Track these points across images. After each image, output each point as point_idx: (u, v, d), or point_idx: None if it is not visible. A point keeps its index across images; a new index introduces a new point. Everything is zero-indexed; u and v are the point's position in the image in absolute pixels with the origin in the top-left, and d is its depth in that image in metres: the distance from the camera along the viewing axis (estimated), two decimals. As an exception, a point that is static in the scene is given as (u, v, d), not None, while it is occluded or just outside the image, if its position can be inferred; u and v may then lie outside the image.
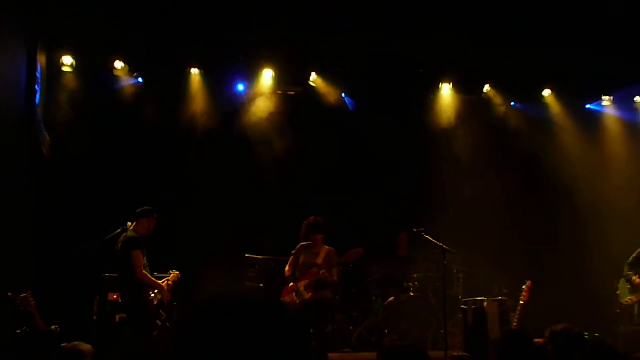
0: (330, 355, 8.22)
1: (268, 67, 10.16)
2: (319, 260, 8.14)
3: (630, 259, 9.01)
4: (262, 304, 1.31)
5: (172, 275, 7.91)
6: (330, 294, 8.32)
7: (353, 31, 9.08)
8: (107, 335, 7.51)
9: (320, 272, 8.11)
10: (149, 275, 7.50)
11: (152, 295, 7.50)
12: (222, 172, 9.52)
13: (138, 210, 7.66)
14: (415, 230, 8.59)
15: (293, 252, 8.25)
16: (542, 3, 8.69)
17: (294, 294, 8.05)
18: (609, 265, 9.46)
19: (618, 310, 9.16)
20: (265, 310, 1.30)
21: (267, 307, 1.30)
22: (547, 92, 11.02)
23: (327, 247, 8.22)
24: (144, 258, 7.54)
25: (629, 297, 8.94)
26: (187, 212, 8.73)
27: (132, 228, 7.55)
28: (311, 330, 8.71)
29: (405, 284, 9.45)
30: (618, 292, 9.12)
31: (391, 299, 9.38)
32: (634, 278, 8.90)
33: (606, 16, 8.77)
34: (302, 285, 8.09)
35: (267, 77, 10.22)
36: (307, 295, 8.08)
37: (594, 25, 8.93)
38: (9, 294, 6.52)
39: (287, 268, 8.20)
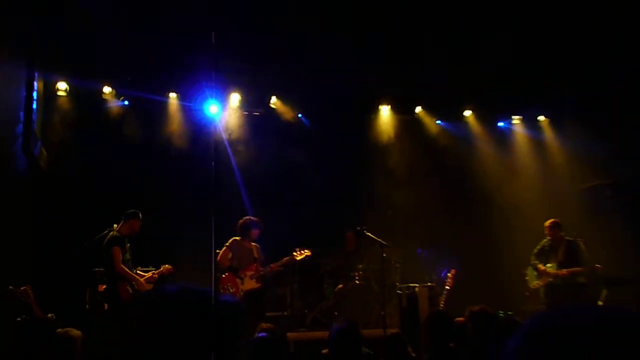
0: (288, 334, 8.27)
1: (235, 91, 10.15)
2: (256, 255, 8.34)
3: (535, 250, 9.16)
4: (197, 294, 1.37)
5: (162, 268, 7.94)
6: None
7: (306, 62, 9.09)
8: (96, 322, 7.45)
9: (272, 266, 8.28)
10: (127, 269, 7.53)
11: (129, 287, 7.48)
12: (195, 179, 9.46)
13: (124, 213, 7.68)
14: (359, 228, 8.65)
15: (227, 244, 8.28)
16: (462, 39, 8.76)
17: (239, 281, 8.13)
18: (517, 256, 9.60)
19: (527, 293, 9.29)
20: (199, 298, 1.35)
21: (201, 296, 1.36)
22: (467, 113, 11.18)
23: (254, 243, 8.37)
24: (125, 254, 7.60)
25: (536, 282, 9.09)
26: (164, 215, 8.65)
27: (117, 228, 7.63)
28: (266, 314, 8.77)
29: (352, 274, 9.45)
30: (527, 278, 9.26)
31: (340, 286, 9.39)
32: (539, 266, 9.05)
33: (514, 49, 8.89)
34: (248, 274, 8.20)
35: (234, 100, 10.21)
36: (257, 285, 8.24)
37: (504, 56, 9.03)
38: (10, 287, 6.44)
39: (223, 259, 8.22)
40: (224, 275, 8.26)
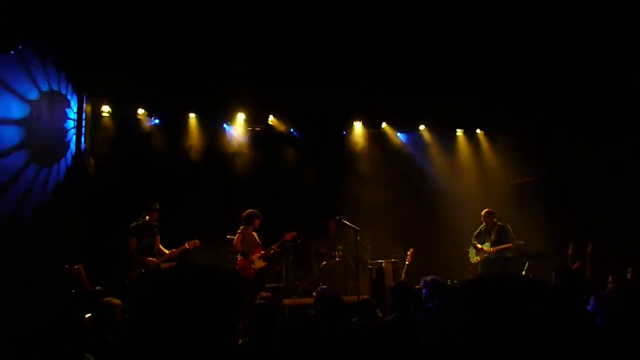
0: (284, 301, 8.31)
1: (241, 111, 10.16)
2: (258, 240, 8.33)
3: (475, 233, 9.24)
4: (207, 269, 1.28)
5: (185, 244, 7.83)
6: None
7: (297, 87, 9.12)
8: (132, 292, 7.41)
9: (273, 247, 8.25)
10: (136, 255, 7.55)
11: (137, 270, 7.50)
12: (211, 181, 9.50)
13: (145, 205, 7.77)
14: (338, 217, 8.69)
15: (239, 232, 8.20)
16: (418, 69, 8.83)
17: (251, 264, 8.12)
18: (461, 237, 9.67)
19: (469, 267, 9.37)
20: (209, 273, 1.28)
21: (210, 270, 1.28)
22: (422, 127, 11.24)
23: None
24: (143, 240, 7.62)
25: (476, 258, 9.17)
26: (186, 210, 8.64)
27: (142, 218, 7.65)
28: (272, 285, 8.78)
29: (333, 253, 9.51)
30: (469, 256, 9.34)
31: (324, 263, 9.44)
32: (477, 245, 9.13)
33: (457, 80, 8.97)
34: (256, 257, 8.20)
35: (240, 119, 10.23)
36: (263, 264, 8.24)
37: (449, 84, 9.12)
38: (66, 265, 6.44)
39: (238, 244, 8.16)
40: (239, 259, 8.19)
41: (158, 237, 7.84)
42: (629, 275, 7.31)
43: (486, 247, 9.01)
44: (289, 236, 8.49)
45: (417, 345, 4.10)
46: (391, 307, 5.81)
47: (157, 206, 7.82)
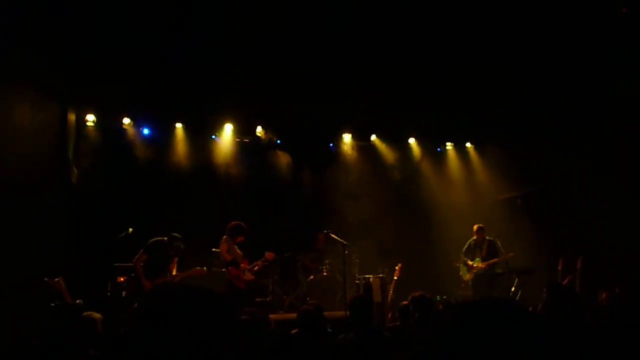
0: (270, 315, 8.18)
1: (229, 122, 10.11)
2: (241, 253, 8.15)
3: (464, 249, 9.25)
4: (196, 291, 1.31)
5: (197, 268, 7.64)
6: None
7: (285, 98, 9.11)
8: (114, 307, 7.27)
9: (258, 263, 8.17)
10: (140, 270, 7.33)
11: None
12: (197, 193, 9.40)
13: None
14: (326, 231, 8.64)
15: (223, 242, 7.99)
16: (408, 81, 8.88)
17: (241, 274, 8.01)
18: (449, 252, 9.68)
19: (462, 285, 9.32)
20: (198, 294, 1.29)
21: (199, 292, 1.30)
22: (411, 140, 11.26)
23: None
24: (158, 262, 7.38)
25: (468, 275, 9.15)
26: (171, 222, 8.50)
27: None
28: (258, 299, 8.67)
29: (321, 267, 9.44)
30: (460, 273, 9.29)
31: (311, 277, 9.36)
32: (468, 262, 9.12)
33: (447, 95, 9.04)
34: (245, 269, 8.09)
35: (228, 130, 10.18)
36: (251, 277, 8.13)
37: (439, 99, 9.18)
38: (46, 278, 6.32)
39: (225, 253, 7.95)
40: (230, 269, 7.96)
41: (175, 260, 7.58)
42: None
43: (477, 262, 9.02)
44: (269, 256, 8.34)
45: None
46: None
47: (180, 245, 7.44)
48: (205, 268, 7.74)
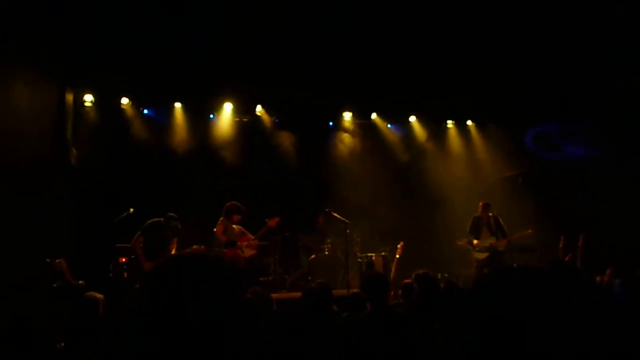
0: (272, 294, 8.21)
1: (229, 101, 10.01)
2: (240, 230, 8.21)
3: (468, 227, 9.10)
4: (208, 258, 1.32)
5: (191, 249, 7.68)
6: None
7: (286, 77, 9.00)
8: (116, 287, 7.26)
9: (258, 234, 8.11)
10: (140, 252, 7.31)
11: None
12: (196, 173, 9.36)
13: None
14: (326, 210, 8.62)
15: (219, 223, 8.03)
16: (409, 60, 8.78)
17: (240, 251, 8.02)
18: (451, 230, 9.63)
19: (474, 263, 9.10)
20: (210, 262, 1.30)
21: (212, 260, 1.31)
22: (412, 118, 11.17)
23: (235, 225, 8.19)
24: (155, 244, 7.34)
25: (482, 254, 8.90)
26: (171, 202, 8.47)
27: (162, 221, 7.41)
28: (260, 279, 8.69)
29: (322, 247, 9.45)
30: (474, 254, 9.04)
31: (313, 256, 9.38)
32: (474, 242, 8.97)
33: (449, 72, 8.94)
34: (244, 245, 8.09)
35: (227, 109, 10.08)
36: (253, 252, 8.14)
37: (441, 76, 9.08)
38: (47, 259, 6.31)
39: (220, 235, 7.99)
40: (225, 250, 7.99)
41: (174, 240, 7.56)
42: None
43: (490, 240, 8.87)
44: (272, 222, 8.32)
45: (396, 340, 3.97)
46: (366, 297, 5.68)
47: (176, 224, 7.44)
48: (203, 247, 7.73)
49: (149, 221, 7.42)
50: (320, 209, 9.20)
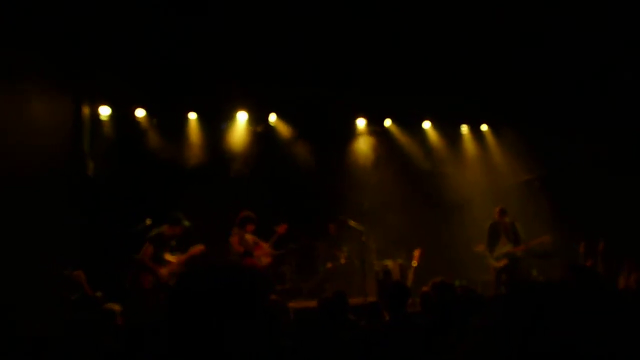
0: (289, 303, 8.18)
1: (242, 110, 10.03)
2: (254, 240, 8.17)
3: (487, 236, 8.88)
4: (234, 268, 1.31)
5: (190, 250, 7.56)
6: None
7: (298, 85, 9.03)
8: (134, 299, 7.24)
9: (270, 249, 8.11)
10: (150, 263, 7.23)
11: (151, 277, 7.24)
12: (211, 182, 9.38)
13: (170, 217, 7.44)
14: (342, 217, 8.58)
15: (234, 233, 8.01)
16: (422, 64, 8.76)
17: (257, 261, 8.01)
18: (468, 237, 9.53)
19: (492, 270, 8.94)
20: (234, 270, 1.30)
21: (236, 268, 1.31)
22: (427, 124, 11.10)
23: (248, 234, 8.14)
24: (160, 252, 7.29)
25: (501, 262, 8.75)
26: (186, 212, 8.48)
27: (164, 229, 7.34)
28: (277, 287, 8.67)
29: (338, 254, 9.42)
30: (493, 262, 8.87)
31: (329, 264, 9.35)
32: (505, 250, 8.79)
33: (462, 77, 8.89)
34: (260, 254, 8.07)
35: (241, 118, 10.11)
36: (269, 259, 8.13)
37: (454, 81, 9.04)
38: (65, 271, 6.36)
39: (236, 245, 7.95)
40: (243, 260, 7.95)
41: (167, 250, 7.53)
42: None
43: (508, 247, 8.72)
44: (280, 229, 8.28)
45: (417, 349, 3.93)
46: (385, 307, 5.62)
47: (185, 223, 7.41)
48: (203, 246, 7.61)
49: (155, 231, 7.39)
50: (333, 216, 9.18)
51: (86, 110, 8.62)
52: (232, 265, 1.36)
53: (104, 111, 9.13)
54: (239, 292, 1.27)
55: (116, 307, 4.50)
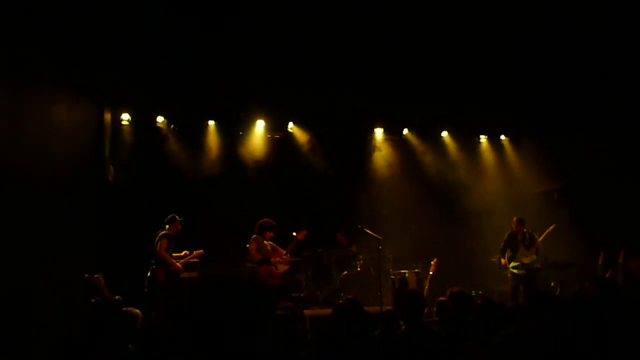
0: (304, 311, 8.20)
1: (261, 118, 10.09)
2: (272, 247, 8.17)
3: (502, 244, 8.78)
4: (237, 281, 1.32)
5: (195, 252, 7.98)
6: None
7: (317, 94, 9.08)
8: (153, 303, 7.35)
9: (290, 248, 8.15)
10: (167, 256, 7.66)
11: (164, 271, 7.64)
12: (229, 189, 9.45)
13: (168, 217, 7.83)
14: (359, 226, 8.54)
15: (253, 241, 8.01)
16: (440, 74, 8.75)
17: (274, 268, 8.02)
18: (485, 247, 9.47)
19: (510, 281, 8.71)
20: (239, 285, 1.31)
21: (240, 283, 1.32)
22: (444, 134, 11.07)
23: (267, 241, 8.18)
24: (169, 249, 7.68)
25: (521, 271, 8.57)
26: (205, 218, 8.59)
27: (167, 229, 7.78)
28: (292, 294, 8.67)
29: (354, 263, 9.41)
30: (512, 269, 8.66)
31: (345, 272, 9.34)
32: (502, 261, 8.69)
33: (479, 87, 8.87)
34: (277, 261, 8.08)
35: (259, 126, 10.17)
36: (286, 267, 8.13)
37: (472, 91, 9.02)
38: (86, 275, 6.44)
39: (254, 253, 7.94)
40: (260, 268, 7.95)
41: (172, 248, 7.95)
42: None
43: (528, 258, 8.57)
44: (300, 235, 8.26)
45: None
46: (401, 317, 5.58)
47: (178, 218, 7.92)
48: (202, 251, 8.02)
49: (162, 232, 7.79)
50: (341, 225, 9.18)
51: (108, 116, 8.73)
52: (239, 282, 1.37)
53: (125, 117, 9.26)
54: (242, 310, 1.29)
55: (136, 311, 4.55)
